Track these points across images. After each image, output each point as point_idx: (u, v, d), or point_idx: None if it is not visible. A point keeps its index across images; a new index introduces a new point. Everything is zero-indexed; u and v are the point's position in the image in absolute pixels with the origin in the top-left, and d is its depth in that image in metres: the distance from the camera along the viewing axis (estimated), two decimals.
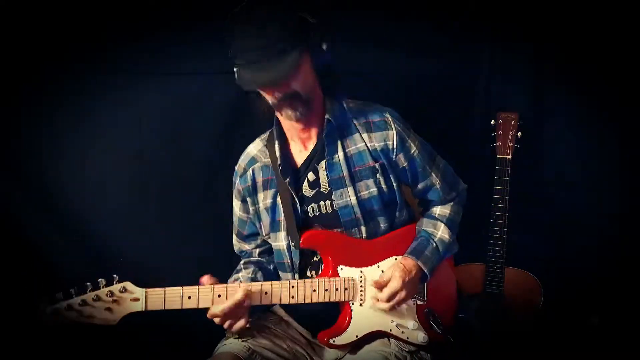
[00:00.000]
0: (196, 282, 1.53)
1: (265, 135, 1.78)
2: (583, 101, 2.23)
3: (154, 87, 2.25)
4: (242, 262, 1.84)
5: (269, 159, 1.72)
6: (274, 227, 1.72)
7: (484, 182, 2.15)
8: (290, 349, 1.69)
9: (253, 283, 1.55)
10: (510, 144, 2.12)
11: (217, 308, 1.50)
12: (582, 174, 2.30)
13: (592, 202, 2.30)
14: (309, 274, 1.69)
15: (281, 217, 1.69)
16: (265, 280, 1.69)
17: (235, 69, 1.51)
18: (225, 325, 1.55)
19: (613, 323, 2.28)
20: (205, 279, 1.55)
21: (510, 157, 2.11)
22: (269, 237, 1.75)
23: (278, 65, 1.45)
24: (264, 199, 1.73)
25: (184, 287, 1.48)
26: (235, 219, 1.85)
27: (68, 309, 1.39)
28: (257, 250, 1.84)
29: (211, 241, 2.35)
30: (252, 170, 1.75)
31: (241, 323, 1.55)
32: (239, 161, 1.80)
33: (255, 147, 1.78)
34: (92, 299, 1.41)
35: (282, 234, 1.70)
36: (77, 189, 2.25)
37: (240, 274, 1.75)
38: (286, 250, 1.69)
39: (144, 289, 1.46)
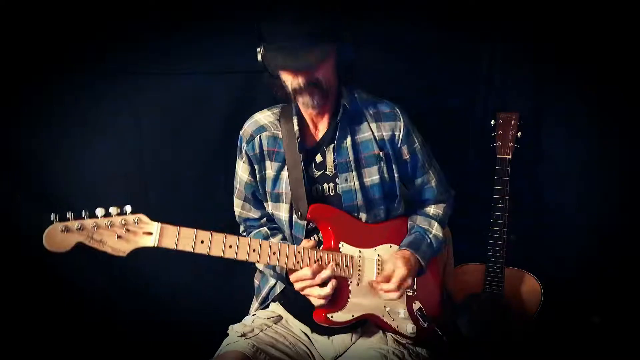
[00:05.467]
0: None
1: (276, 110, 1.79)
2: (583, 101, 2.23)
3: (154, 87, 2.25)
4: (265, 228, 1.83)
5: (279, 132, 1.74)
6: (274, 197, 1.76)
7: (484, 182, 2.15)
8: (292, 345, 1.71)
9: (264, 241, 1.54)
10: (510, 144, 2.12)
11: (304, 271, 1.55)
12: (582, 174, 2.30)
13: (592, 202, 2.30)
14: None
15: (281, 189, 1.73)
16: None
17: (259, 50, 1.59)
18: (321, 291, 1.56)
19: (613, 323, 2.28)
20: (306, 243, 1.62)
21: (510, 157, 2.11)
22: (269, 204, 1.79)
23: (309, 54, 1.50)
24: (270, 167, 1.76)
25: (198, 230, 1.45)
26: (240, 186, 1.84)
27: (80, 228, 1.34)
28: (265, 219, 1.86)
29: None
30: (260, 138, 1.75)
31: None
32: (245, 126, 1.80)
33: (265, 117, 1.79)
34: (105, 224, 1.37)
35: (283, 206, 1.73)
36: (77, 189, 2.25)
37: (275, 240, 1.76)
38: (287, 222, 1.73)
39: (159, 223, 1.43)
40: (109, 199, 2.25)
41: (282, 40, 1.51)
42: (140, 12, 2.11)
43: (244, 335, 1.67)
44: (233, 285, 2.32)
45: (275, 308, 1.82)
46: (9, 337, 2.18)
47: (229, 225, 2.03)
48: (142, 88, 2.24)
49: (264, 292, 1.84)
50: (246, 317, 1.79)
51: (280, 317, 1.78)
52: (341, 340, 1.71)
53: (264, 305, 1.84)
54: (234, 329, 1.72)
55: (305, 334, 1.75)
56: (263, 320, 1.75)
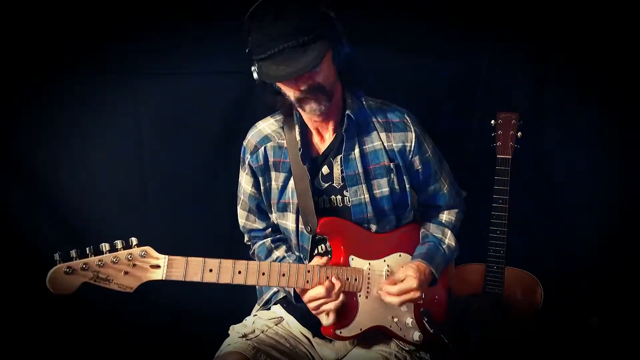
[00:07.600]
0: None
1: (280, 117, 1.72)
2: (583, 101, 2.23)
3: (154, 87, 2.25)
4: (269, 241, 1.80)
5: (284, 141, 1.68)
6: (281, 207, 1.71)
7: (484, 182, 2.15)
8: (293, 347, 1.70)
9: (273, 263, 1.50)
10: (510, 144, 2.12)
11: (318, 290, 1.52)
12: (582, 174, 2.30)
13: (592, 202, 2.30)
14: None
15: (288, 199, 1.68)
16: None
17: (253, 67, 1.51)
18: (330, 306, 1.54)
19: (613, 323, 2.28)
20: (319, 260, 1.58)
21: (510, 157, 2.11)
22: (274, 214, 1.75)
23: (305, 55, 1.41)
24: (276, 179, 1.70)
25: (206, 259, 1.41)
26: (244, 197, 1.79)
27: (84, 268, 1.29)
28: (270, 230, 1.82)
29: (211, 242, 2.36)
30: (264, 149, 1.70)
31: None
32: (249, 136, 1.74)
33: (269, 126, 1.73)
34: (111, 261, 1.31)
35: (290, 215, 1.69)
36: (77, 189, 2.25)
37: (279, 253, 1.75)
38: (294, 232, 1.70)
39: (166, 256, 1.38)
40: (109, 199, 2.29)
41: (272, 46, 1.41)
42: (140, 12, 2.11)
43: (244, 336, 1.66)
44: (234, 285, 2.32)
45: (277, 310, 1.80)
46: (9, 338, 2.18)
47: (229, 227, 2.03)
48: (142, 88, 2.24)
49: (266, 296, 1.83)
50: (247, 318, 1.79)
51: (282, 319, 1.77)
52: (343, 343, 1.70)
53: (266, 307, 1.83)
54: (235, 330, 1.71)
55: (307, 337, 1.74)
56: (264, 321, 1.75)
